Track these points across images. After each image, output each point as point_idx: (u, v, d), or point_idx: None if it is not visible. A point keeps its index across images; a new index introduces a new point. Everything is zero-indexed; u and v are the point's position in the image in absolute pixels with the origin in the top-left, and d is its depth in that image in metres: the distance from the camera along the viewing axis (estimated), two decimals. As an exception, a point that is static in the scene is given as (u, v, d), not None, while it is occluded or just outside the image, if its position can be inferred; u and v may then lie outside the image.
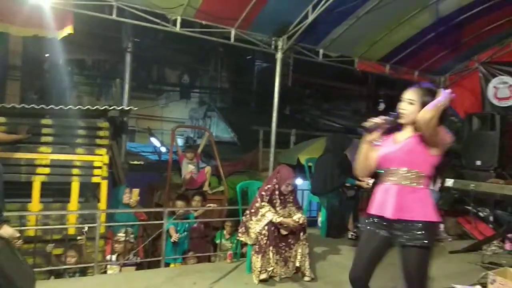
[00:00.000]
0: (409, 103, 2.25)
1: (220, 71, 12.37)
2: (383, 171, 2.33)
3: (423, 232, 2.13)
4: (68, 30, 4.47)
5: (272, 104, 5.98)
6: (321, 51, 6.27)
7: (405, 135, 2.28)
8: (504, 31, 6.45)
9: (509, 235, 4.46)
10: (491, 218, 4.72)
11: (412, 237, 2.14)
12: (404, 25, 6.00)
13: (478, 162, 6.00)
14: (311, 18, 5.18)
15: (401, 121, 2.28)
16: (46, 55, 8.52)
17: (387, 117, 2.30)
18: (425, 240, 2.13)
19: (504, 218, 4.51)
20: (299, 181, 7.18)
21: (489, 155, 5.93)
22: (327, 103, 13.05)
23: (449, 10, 5.82)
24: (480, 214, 4.79)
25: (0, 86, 7.55)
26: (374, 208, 2.32)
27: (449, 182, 4.74)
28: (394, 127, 2.33)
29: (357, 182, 4.84)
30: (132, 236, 4.71)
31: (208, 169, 6.47)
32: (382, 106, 11.33)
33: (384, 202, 2.26)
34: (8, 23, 4.41)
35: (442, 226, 5.54)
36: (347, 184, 4.98)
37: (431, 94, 2.20)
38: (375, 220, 2.31)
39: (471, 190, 4.43)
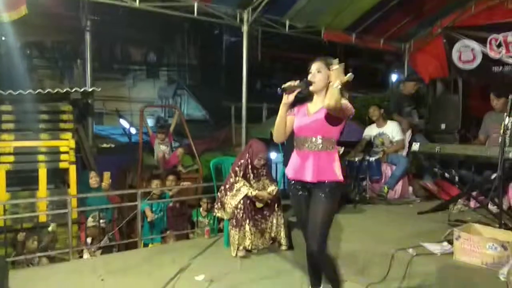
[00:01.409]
0: (317, 71, 2.57)
1: (188, 47, 12.08)
2: (298, 138, 2.62)
3: (334, 187, 2.55)
4: (22, 11, 4.19)
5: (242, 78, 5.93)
6: (287, 22, 6.19)
7: (316, 106, 2.61)
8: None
9: (473, 193, 4.67)
10: (456, 179, 4.91)
11: (324, 190, 2.53)
12: (368, -8, 5.99)
13: (443, 126, 6.20)
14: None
15: (312, 88, 2.58)
16: (2, 38, 8.06)
17: (301, 81, 2.56)
18: (334, 193, 2.55)
19: (469, 178, 4.70)
20: (272, 155, 7.25)
21: (453, 118, 6.13)
22: (297, 76, 13.05)
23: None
24: (446, 175, 4.99)
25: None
26: (294, 173, 2.64)
27: (415, 146, 4.89)
28: (305, 98, 2.66)
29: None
30: (102, 221, 4.65)
31: (180, 150, 6.43)
32: (351, 76, 11.46)
33: (303, 168, 2.57)
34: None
35: (410, 188, 5.77)
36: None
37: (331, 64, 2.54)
38: (298, 185, 2.65)
39: (437, 153, 4.57)
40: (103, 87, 9.64)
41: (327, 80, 2.53)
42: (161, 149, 6.28)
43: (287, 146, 5.41)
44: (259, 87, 11.72)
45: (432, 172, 5.47)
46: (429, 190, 5.64)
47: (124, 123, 9.83)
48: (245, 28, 5.73)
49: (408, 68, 7.88)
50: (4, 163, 4.26)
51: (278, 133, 2.70)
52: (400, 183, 5.49)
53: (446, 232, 3.62)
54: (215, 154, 7.96)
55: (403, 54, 7.84)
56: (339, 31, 6.77)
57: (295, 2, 5.83)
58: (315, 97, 2.64)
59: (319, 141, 2.54)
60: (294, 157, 2.67)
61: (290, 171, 2.69)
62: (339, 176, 2.55)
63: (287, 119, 2.66)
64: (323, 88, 2.57)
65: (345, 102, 2.45)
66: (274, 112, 9.48)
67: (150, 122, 10.59)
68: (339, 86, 2.38)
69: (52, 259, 4.12)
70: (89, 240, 4.53)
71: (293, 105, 2.63)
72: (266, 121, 9.01)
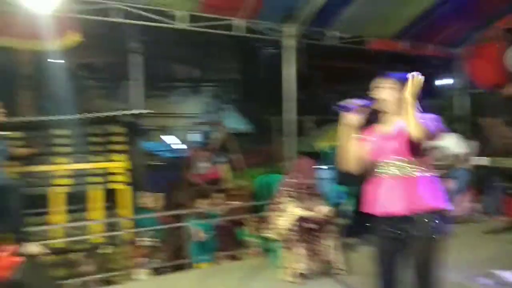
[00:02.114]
0: (390, 89, 2.24)
1: (230, 62, 12.18)
2: (377, 165, 2.23)
3: (434, 220, 2.08)
4: (75, 37, 4.36)
5: (286, 90, 5.80)
6: (332, 33, 6.04)
7: (390, 125, 2.26)
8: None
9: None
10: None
11: (423, 227, 2.08)
12: (418, -2, 5.72)
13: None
14: (320, 0, 4.96)
15: (381, 107, 2.25)
16: (57, 61, 8.50)
17: (364, 101, 2.25)
18: (436, 229, 2.09)
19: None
20: (321, 169, 7.05)
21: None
22: (341, 85, 12.75)
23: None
24: (512, 191, 4.59)
25: (12, 97, 7.56)
26: (379, 206, 2.18)
27: (482, 161, 4.53)
28: (371, 119, 2.31)
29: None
30: (155, 239, 4.68)
31: (224, 167, 6.41)
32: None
33: (390, 198, 2.15)
34: (9, 36, 4.28)
35: (476, 205, 5.36)
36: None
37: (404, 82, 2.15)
38: (385, 221, 2.18)
39: (503, 167, 4.21)
40: (150, 104, 9.94)
41: (399, 95, 2.19)
42: (201, 166, 6.31)
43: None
44: (302, 98, 11.51)
45: (500, 188, 5.06)
46: (496, 207, 5.22)
47: (170, 139, 10.02)
48: (289, 42, 5.64)
49: (461, 74, 7.44)
50: (61, 185, 4.41)
51: (355, 165, 2.29)
52: (464, 199, 5.12)
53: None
54: (260, 169, 7.89)
55: (455, 60, 7.41)
56: (386, 39, 6.52)
57: (340, 12, 5.68)
58: (385, 115, 2.31)
59: (404, 163, 2.17)
60: (374, 188, 2.25)
61: (372, 206, 2.24)
62: (442, 204, 2.13)
63: (358, 146, 2.28)
64: (395, 105, 2.24)
65: (423, 124, 2.09)
66: (319, 124, 9.32)
67: (195, 137, 10.73)
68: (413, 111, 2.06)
69: (106, 282, 4.19)
70: (141, 259, 4.55)
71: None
72: (312, 134, 8.82)
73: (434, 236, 2.09)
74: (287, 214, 3.77)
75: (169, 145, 10.18)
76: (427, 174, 2.16)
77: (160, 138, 10.72)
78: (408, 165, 2.16)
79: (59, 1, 4.02)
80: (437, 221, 2.09)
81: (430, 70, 12.74)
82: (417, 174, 2.14)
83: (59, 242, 4.14)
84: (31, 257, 3.06)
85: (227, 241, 5.35)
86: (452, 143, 5.24)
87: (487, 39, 6.96)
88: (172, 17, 4.92)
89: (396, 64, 11.32)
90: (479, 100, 6.15)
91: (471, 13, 6.35)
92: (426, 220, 2.08)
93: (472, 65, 7.29)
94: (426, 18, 6.20)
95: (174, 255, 5.01)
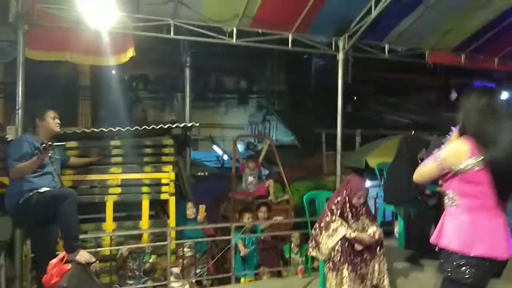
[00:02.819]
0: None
1: (277, 73, 12.20)
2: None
3: None
4: (130, 53, 4.54)
5: (333, 103, 5.68)
6: (386, 46, 5.82)
7: None
8: None
9: None
10: None
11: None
12: (481, 10, 5.36)
13: None
14: (374, 13, 4.79)
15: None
16: (112, 71, 8.94)
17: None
18: None
19: None
20: (369, 185, 6.77)
21: None
22: (393, 97, 12.29)
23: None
24: None
25: (72, 107, 8.03)
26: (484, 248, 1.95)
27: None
28: None
29: (439, 189, 4.36)
30: (193, 250, 4.69)
31: (270, 182, 6.36)
32: (454, 95, 10.39)
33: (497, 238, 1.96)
34: (68, 51, 4.53)
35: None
36: (427, 192, 4.53)
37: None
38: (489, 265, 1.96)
39: None
40: (198, 115, 10.18)
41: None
42: (248, 179, 6.30)
43: (388, 181, 5.00)
44: (350, 110, 11.24)
45: None
46: None
47: (217, 149, 10.15)
48: (340, 56, 5.51)
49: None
50: (112, 194, 4.56)
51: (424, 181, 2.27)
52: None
53: None
54: (305, 183, 7.75)
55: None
56: (445, 52, 6.18)
57: (395, 25, 5.47)
58: None
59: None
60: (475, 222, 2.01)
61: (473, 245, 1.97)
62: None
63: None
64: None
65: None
66: (368, 137, 9.01)
67: (241, 147, 10.81)
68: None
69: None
70: (177, 269, 4.53)
71: None
72: (360, 148, 8.54)
73: None
74: (333, 233, 3.62)
75: (215, 155, 10.31)
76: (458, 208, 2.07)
77: (208, 148, 10.91)
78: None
79: (116, 18, 4.21)
80: None
81: (492, 80, 12.02)
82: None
83: (107, 250, 4.26)
84: (80, 264, 3.14)
85: (271, 257, 5.26)
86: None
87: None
88: (223, 32, 4.99)
89: (452, 76, 10.82)
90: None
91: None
92: None
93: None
94: (489, 30, 5.82)
95: (216, 267, 5.00)
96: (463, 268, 1.95)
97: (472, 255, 1.94)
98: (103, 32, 4.35)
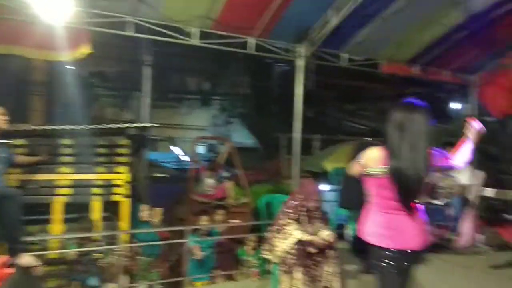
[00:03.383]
0: None
1: (240, 76, 12.22)
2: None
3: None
4: (85, 49, 4.40)
5: (294, 108, 5.77)
6: (344, 55, 6.01)
7: None
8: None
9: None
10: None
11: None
12: (433, 24, 5.67)
13: (518, 167, 5.61)
14: (333, 22, 4.94)
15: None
16: (70, 67, 8.60)
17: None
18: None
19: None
20: (325, 189, 6.94)
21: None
22: (352, 104, 12.66)
23: (481, 6, 5.46)
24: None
25: (25, 103, 7.63)
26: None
27: (488, 192, 4.41)
28: None
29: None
30: (151, 254, 4.60)
31: (229, 185, 6.35)
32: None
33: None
34: (22, 45, 4.33)
35: (481, 236, 5.20)
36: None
37: None
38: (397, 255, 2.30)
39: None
40: (159, 114, 9.98)
41: None
42: (207, 182, 6.26)
43: (343, 186, 5.13)
44: (310, 115, 11.44)
45: (505, 219, 4.92)
46: (502, 239, 5.06)
47: (177, 150, 10.01)
48: (300, 63, 5.62)
49: (474, 101, 7.33)
50: (61, 195, 4.38)
51: None
52: (469, 230, 4.97)
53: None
54: (265, 187, 7.80)
55: (470, 87, 7.30)
56: (400, 63, 6.47)
57: (353, 35, 5.66)
58: None
59: None
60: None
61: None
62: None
63: None
64: None
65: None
66: (326, 142, 9.22)
67: (202, 149, 10.71)
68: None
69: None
70: (136, 274, 4.45)
71: None
72: (318, 153, 8.72)
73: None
74: (287, 236, 3.67)
75: (175, 156, 10.16)
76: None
77: (167, 148, 10.72)
78: None
79: (72, 13, 4.06)
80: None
81: (443, 95, 12.68)
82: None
83: (54, 253, 4.09)
84: (23, 268, 3.00)
85: (227, 260, 5.25)
86: (463, 173, 5.10)
87: (503, 67, 6.86)
88: (185, 33, 4.94)
89: (407, 86, 11.29)
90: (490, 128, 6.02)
91: (487, 40, 6.27)
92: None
93: (485, 92, 7.18)
94: (440, 44, 6.15)
95: (170, 271, 4.93)
96: (383, 258, 2.24)
97: (387, 247, 2.23)
98: (57, 26, 4.17)
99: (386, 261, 2.23)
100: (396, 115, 2.24)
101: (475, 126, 2.41)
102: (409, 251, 2.21)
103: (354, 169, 2.46)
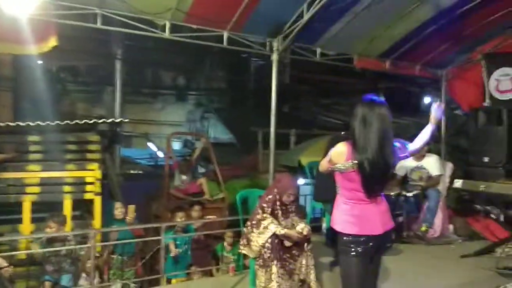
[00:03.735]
0: None
1: (216, 71, 12.12)
2: None
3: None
4: (52, 42, 4.24)
5: (270, 103, 5.78)
6: (318, 50, 6.05)
7: None
8: (508, 21, 6.20)
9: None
10: (502, 218, 4.52)
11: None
12: (404, 19, 5.77)
13: (486, 159, 5.79)
14: (306, 17, 4.95)
15: None
16: (38, 62, 8.31)
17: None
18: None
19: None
20: (300, 183, 6.99)
21: (497, 151, 5.72)
22: (327, 99, 12.79)
23: (450, 2, 5.60)
24: (491, 214, 4.60)
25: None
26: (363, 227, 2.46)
27: (458, 183, 4.55)
28: None
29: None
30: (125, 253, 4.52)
31: (202, 180, 6.31)
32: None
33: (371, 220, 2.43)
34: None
35: (451, 227, 5.37)
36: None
37: None
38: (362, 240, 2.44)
39: (481, 191, 4.23)
40: (132, 110, 9.77)
41: None
42: (182, 178, 6.20)
43: (317, 179, 5.18)
44: (286, 110, 11.48)
45: (475, 209, 5.09)
46: (472, 229, 5.23)
47: (152, 146, 9.86)
48: (274, 57, 5.61)
49: (445, 95, 7.53)
50: (30, 194, 4.24)
51: None
52: (440, 221, 5.11)
53: (495, 284, 3.27)
54: (241, 182, 7.80)
55: (440, 81, 7.50)
56: (372, 58, 6.57)
57: (326, 30, 5.69)
58: None
59: None
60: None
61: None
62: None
63: None
64: None
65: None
66: (302, 137, 9.29)
67: (177, 145, 10.59)
68: None
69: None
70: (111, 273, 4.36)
71: None
72: (294, 148, 8.78)
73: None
74: (264, 230, 3.68)
75: (150, 153, 10.00)
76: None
77: (142, 145, 10.54)
78: None
79: (37, 5, 3.89)
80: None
81: (416, 89, 12.99)
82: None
83: (23, 253, 3.95)
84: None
85: (203, 256, 5.22)
86: (431, 165, 5.24)
87: (471, 62, 7.07)
88: (155, 26, 4.84)
89: (381, 81, 11.49)
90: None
91: (456, 36, 6.45)
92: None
93: (455, 86, 7.39)
94: (411, 39, 6.27)
95: (146, 269, 4.86)
96: (348, 243, 2.38)
97: (351, 233, 2.38)
98: (21, 18, 4.00)
99: (352, 245, 2.35)
100: (359, 110, 2.34)
101: (436, 108, 2.55)
102: (374, 235, 2.34)
103: (323, 166, 2.59)
